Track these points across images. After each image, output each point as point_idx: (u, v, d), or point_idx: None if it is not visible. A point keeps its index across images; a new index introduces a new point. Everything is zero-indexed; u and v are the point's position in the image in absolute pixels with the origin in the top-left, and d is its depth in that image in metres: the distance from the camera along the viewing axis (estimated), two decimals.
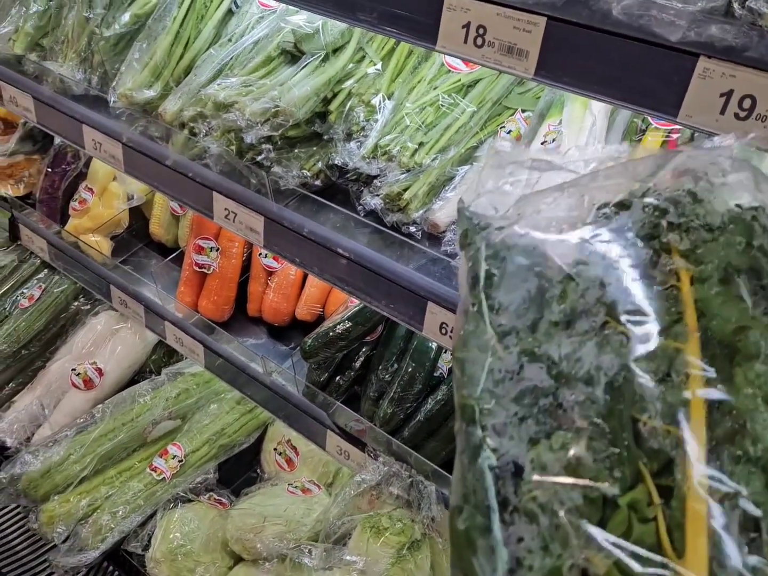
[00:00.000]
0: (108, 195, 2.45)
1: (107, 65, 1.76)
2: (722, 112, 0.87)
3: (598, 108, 1.40)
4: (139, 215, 2.53)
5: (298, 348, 1.94)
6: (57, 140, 2.57)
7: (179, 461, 2.27)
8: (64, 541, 2.14)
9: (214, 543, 2.15)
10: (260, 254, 2.19)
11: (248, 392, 2.12)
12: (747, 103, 0.84)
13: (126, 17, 1.73)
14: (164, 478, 2.24)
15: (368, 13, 1.09)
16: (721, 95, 0.86)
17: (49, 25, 1.85)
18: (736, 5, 0.80)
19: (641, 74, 0.91)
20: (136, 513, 2.18)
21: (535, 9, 0.93)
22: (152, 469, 2.25)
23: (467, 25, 0.99)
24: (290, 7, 1.62)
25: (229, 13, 1.72)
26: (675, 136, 1.38)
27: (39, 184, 2.56)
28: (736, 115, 0.85)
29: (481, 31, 0.99)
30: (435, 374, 1.86)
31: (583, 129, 1.36)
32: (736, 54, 0.83)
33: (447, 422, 1.82)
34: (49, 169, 2.52)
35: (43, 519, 2.17)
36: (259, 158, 1.52)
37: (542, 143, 1.37)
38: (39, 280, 2.70)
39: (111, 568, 2.30)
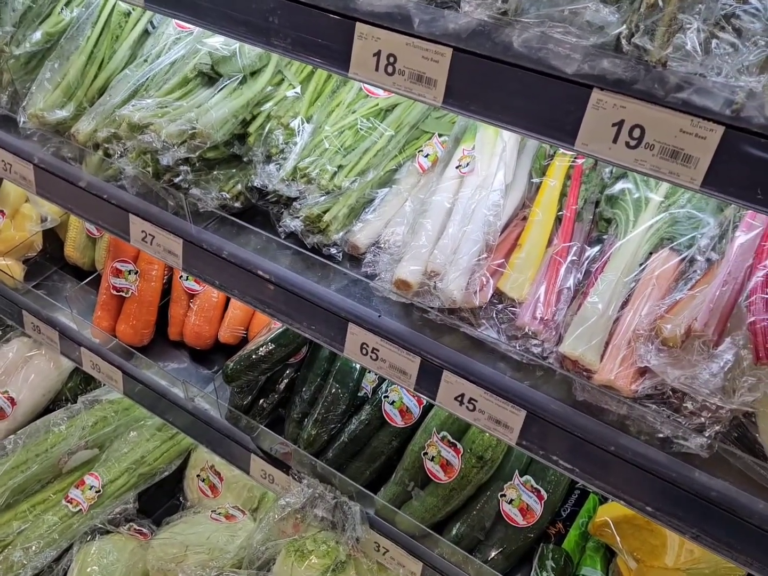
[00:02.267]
0: (20, 217, 2.37)
1: (17, 84, 1.71)
2: (615, 140, 0.92)
3: (509, 134, 1.46)
4: (53, 237, 2.46)
5: (221, 372, 1.92)
6: None
7: (96, 492, 2.20)
8: None
9: (134, 574, 2.08)
10: (181, 277, 2.16)
11: (170, 418, 2.07)
12: (636, 132, 0.89)
13: (37, 35, 1.69)
14: (81, 509, 2.16)
15: (282, 39, 1.10)
16: (613, 125, 0.91)
17: None
18: (623, 41, 0.86)
19: (540, 104, 0.96)
20: (51, 547, 2.10)
21: (441, 40, 0.97)
22: (68, 501, 2.17)
23: (378, 54, 1.02)
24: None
25: (145, 33, 1.70)
26: (580, 161, 1.45)
27: None
28: (627, 144, 0.91)
29: (391, 59, 1.02)
30: (359, 394, 1.87)
31: (495, 154, 1.41)
32: (626, 86, 0.88)
33: (371, 442, 1.83)
34: None
35: None
36: (176, 180, 1.51)
37: (456, 167, 1.41)
38: None
39: None
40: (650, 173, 0.90)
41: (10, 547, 2.08)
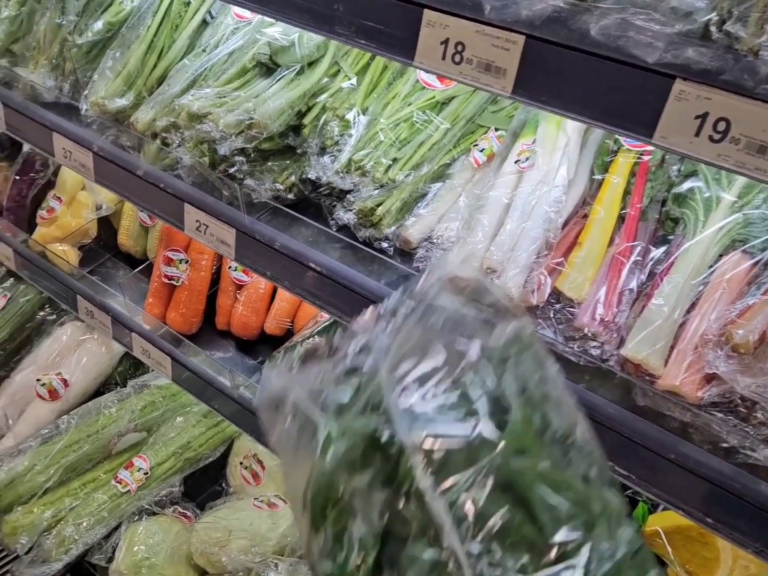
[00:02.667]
0: (76, 204, 2.41)
1: (79, 73, 1.73)
2: (697, 134, 0.88)
3: (572, 128, 1.42)
4: (107, 225, 2.49)
5: (267, 361, 1.92)
6: (26, 148, 2.53)
7: (145, 474, 2.24)
8: (27, 552, 2.10)
9: (178, 556, 2.12)
10: (230, 267, 2.17)
11: (215, 406, 2.09)
12: (721, 126, 0.85)
13: (99, 25, 1.71)
14: (129, 490, 2.20)
15: (346, 27, 1.08)
16: (696, 117, 0.87)
17: (20, 30, 1.81)
18: (713, 29, 0.81)
19: (618, 95, 0.92)
20: (101, 525, 2.15)
21: (514, 27, 0.93)
22: (117, 481, 2.22)
23: (446, 42, 1.00)
24: (266, 19, 1.62)
25: (204, 23, 1.71)
26: (646, 158, 1.40)
27: (6, 192, 2.51)
28: (711, 138, 0.86)
29: (459, 47, 0.99)
30: None
31: (557, 149, 1.37)
32: (711, 77, 0.84)
33: None
34: (17, 177, 2.47)
35: (6, 530, 2.13)
36: (231, 170, 1.51)
37: (515, 162, 1.38)
38: (4, 289, 2.66)
39: None
40: (734, 169, 0.85)
41: (62, 522, 2.14)
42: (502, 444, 0.73)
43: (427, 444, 0.72)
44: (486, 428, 0.74)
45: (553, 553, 0.69)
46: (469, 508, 0.70)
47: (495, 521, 0.69)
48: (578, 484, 0.74)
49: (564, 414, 0.80)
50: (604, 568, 0.69)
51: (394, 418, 0.74)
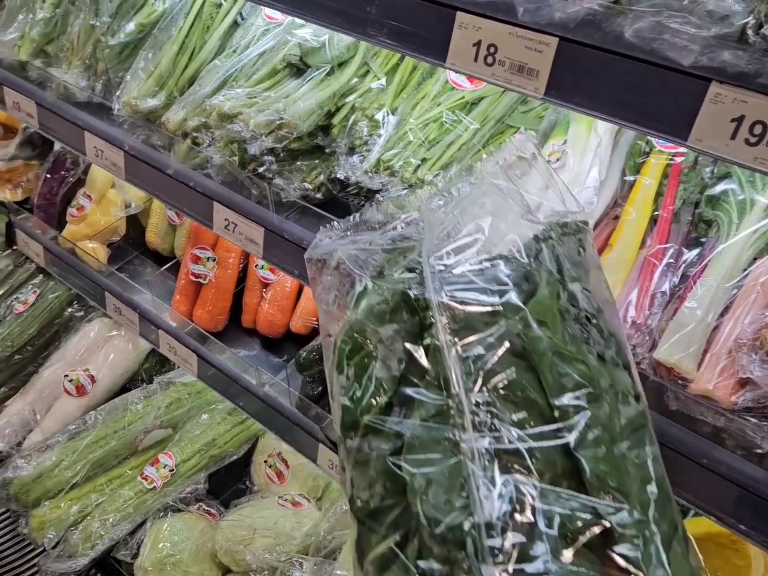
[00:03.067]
0: (106, 202, 2.44)
1: (111, 73, 1.75)
2: (733, 137, 0.87)
3: (604, 129, 1.41)
4: (135, 224, 2.52)
5: (293, 360, 1.93)
6: (56, 146, 2.57)
7: (170, 470, 2.26)
8: (53, 547, 2.12)
9: (203, 554, 2.13)
10: (256, 265, 2.18)
11: (240, 403, 2.10)
12: (758, 129, 0.84)
13: (131, 26, 1.73)
14: (155, 486, 2.22)
15: (378, 29, 1.08)
16: (732, 120, 0.86)
17: (54, 32, 1.84)
18: (750, 32, 0.80)
19: (652, 97, 0.91)
20: (126, 521, 2.17)
21: (547, 29, 0.93)
22: (143, 478, 2.24)
23: (478, 44, 0.99)
24: (296, 20, 1.63)
25: (235, 25, 1.72)
26: (679, 159, 1.39)
27: (37, 190, 2.55)
28: (747, 141, 0.85)
29: (492, 49, 0.99)
30: None
31: (588, 149, 1.36)
32: (748, 80, 0.83)
33: None
34: (48, 175, 2.51)
35: (33, 524, 2.15)
36: (261, 170, 1.52)
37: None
38: (34, 286, 2.69)
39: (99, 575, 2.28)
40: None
41: (89, 517, 2.16)
42: (524, 313, 0.78)
43: (452, 304, 0.79)
44: (512, 297, 0.79)
45: (552, 414, 0.73)
46: (481, 365, 0.75)
47: (502, 378, 0.74)
48: (591, 361, 0.77)
49: (592, 299, 0.83)
50: (599, 435, 0.72)
51: (426, 278, 0.81)
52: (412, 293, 0.82)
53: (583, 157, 1.36)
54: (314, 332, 2.15)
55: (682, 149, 1.40)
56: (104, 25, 1.73)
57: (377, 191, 1.49)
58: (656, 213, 1.33)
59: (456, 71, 1.05)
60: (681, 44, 0.84)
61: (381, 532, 0.74)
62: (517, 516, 0.67)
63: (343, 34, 1.38)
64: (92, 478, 2.27)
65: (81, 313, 2.73)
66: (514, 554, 0.66)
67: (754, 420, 1.08)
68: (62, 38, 1.81)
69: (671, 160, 1.39)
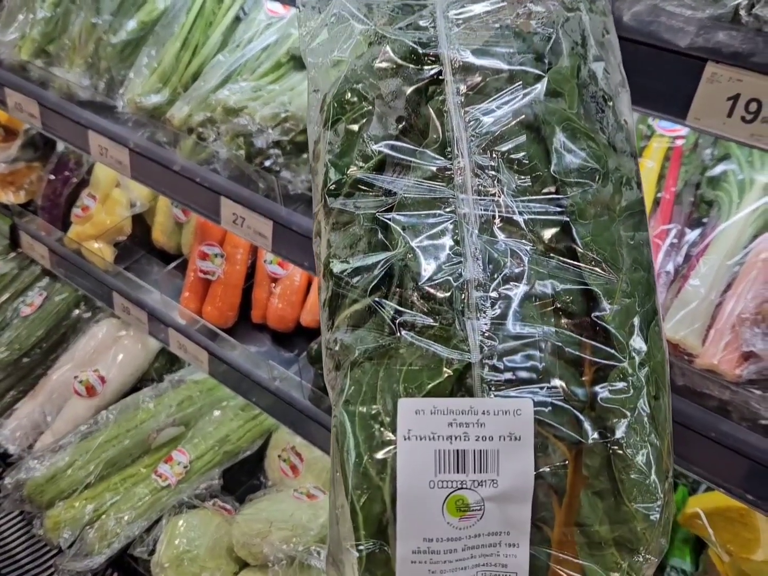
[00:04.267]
0: (111, 202, 2.46)
1: (113, 71, 1.77)
2: (729, 115, 0.89)
3: None
4: (141, 223, 2.54)
5: (304, 354, 1.95)
6: (59, 147, 2.59)
7: (184, 467, 2.27)
8: (69, 546, 2.14)
9: (219, 548, 2.15)
10: (265, 260, 2.20)
11: (253, 398, 2.12)
12: (753, 107, 0.86)
13: (133, 24, 1.75)
14: (169, 484, 2.24)
15: None
16: (728, 99, 0.88)
17: (55, 31, 1.86)
18: (743, 12, 0.83)
19: (652, 78, 0.93)
20: (142, 518, 2.18)
21: None
22: (157, 475, 2.26)
23: None
24: None
25: (237, 20, 1.74)
26: (679, 142, 1.41)
27: (40, 191, 2.57)
28: (743, 118, 0.87)
29: None
30: None
31: None
32: (742, 59, 0.85)
33: None
34: (51, 176, 2.53)
35: (48, 525, 2.17)
36: (267, 163, 1.54)
37: None
38: (40, 288, 2.71)
39: (116, 574, 2.29)
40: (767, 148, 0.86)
41: (104, 516, 2.17)
42: (542, 81, 0.73)
43: (467, 61, 0.73)
44: (530, 63, 0.74)
45: (553, 187, 0.70)
46: (488, 130, 0.70)
47: (509, 146, 0.70)
48: (601, 139, 0.74)
49: (611, 82, 0.79)
50: (599, 210, 0.70)
51: (440, 32, 0.74)
52: (421, 50, 0.74)
53: None
54: None
55: (682, 132, 1.42)
56: (106, 23, 1.75)
57: None
58: (659, 195, 1.35)
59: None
60: (677, 26, 0.87)
61: (358, 292, 0.71)
62: (507, 278, 0.66)
63: None
64: (106, 477, 2.28)
65: (89, 314, 2.74)
66: (498, 311, 0.64)
67: (758, 392, 1.10)
68: (63, 37, 1.83)
69: (672, 143, 1.41)
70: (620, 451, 0.63)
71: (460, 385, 0.64)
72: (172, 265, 2.35)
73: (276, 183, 1.52)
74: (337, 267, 0.72)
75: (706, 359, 1.13)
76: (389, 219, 0.70)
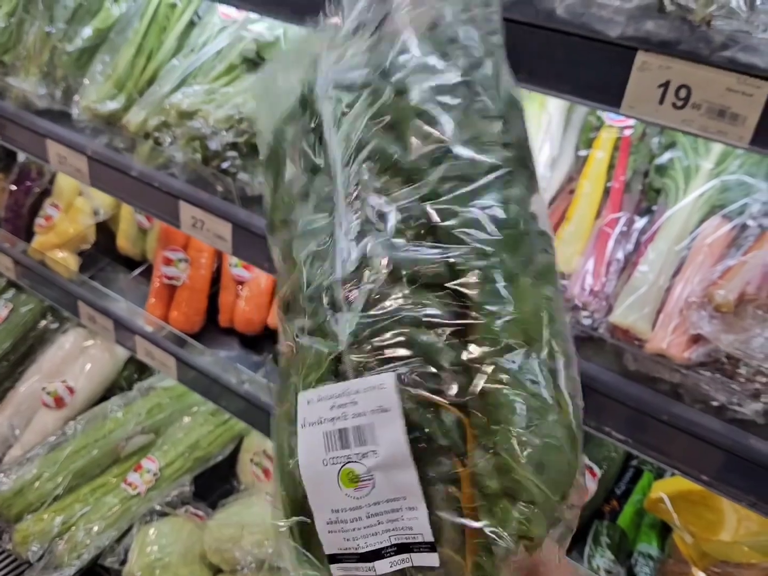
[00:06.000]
0: (74, 211, 2.45)
1: (70, 79, 1.76)
2: (661, 102, 0.92)
3: (554, 107, 1.45)
4: (105, 230, 2.53)
5: (271, 356, 1.95)
6: (21, 157, 2.56)
7: (154, 475, 2.26)
8: (39, 560, 2.12)
9: (192, 555, 2.14)
10: (230, 264, 2.20)
11: (223, 403, 2.12)
12: (683, 93, 0.89)
13: (88, 31, 1.74)
14: (139, 492, 2.23)
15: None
16: (659, 86, 0.91)
17: (10, 41, 1.85)
18: (666, 1, 0.85)
19: (585, 69, 0.95)
20: (112, 528, 2.17)
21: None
22: (127, 484, 2.24)
23: None
24: (252, 16, 1.65)
25: (191, 24, 1.74)
26: (628, 132, 1.44)
27: (3, 203, 2.54)
28: (674, 105, 0.90)
29: None
30: None
31: (540, 127, 1.41)
32: (671, 47, 0.88)
33: None
34: (14, 187, 2.50)
35: (17, 538, 2.14)
36: (224, 165, 1.54)
37: None
38: (6, 300, 2.68)
39: None
40: (698, 133, 0.89)
41: (73, 527, 2.15)
42: (393, 83, 0.79)
43: (336, 93, 0.82)
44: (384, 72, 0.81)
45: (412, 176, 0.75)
46: (354, 140, 0.78)
47: (369, 148, 0.77)
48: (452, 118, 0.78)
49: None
50: (453, 185, 0.75)
51: (317, 78, 0.84)
52: (306, 90, 0.85)
53: (536, 135, 1.40)
54: None
55: (631, 122, 1.45)
56: (60, 32, 1.74)
57: None
58: (609, 185, 1.38)
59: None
60: (607, 17, 0.89)
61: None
62: (373, 268, 0.72)
63: (296, 27, 1.41)
64: (75, 489, 2.26)
65: (56, 325, 2.72)
66: (363, 301, 0.71)
67: (707, 374, 1.13)
68: (19, 47, 1.82)
69: (621, 133, 1.44)
70: (490, 406, 0.68)
71: (337, 373, 0.72)
72: (137, 271, 2.35)
73: (233, 185, 1.52)
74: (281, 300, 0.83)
75: (656, 343, 1.15)
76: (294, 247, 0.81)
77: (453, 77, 0.79)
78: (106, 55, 1.67)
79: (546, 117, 1.42)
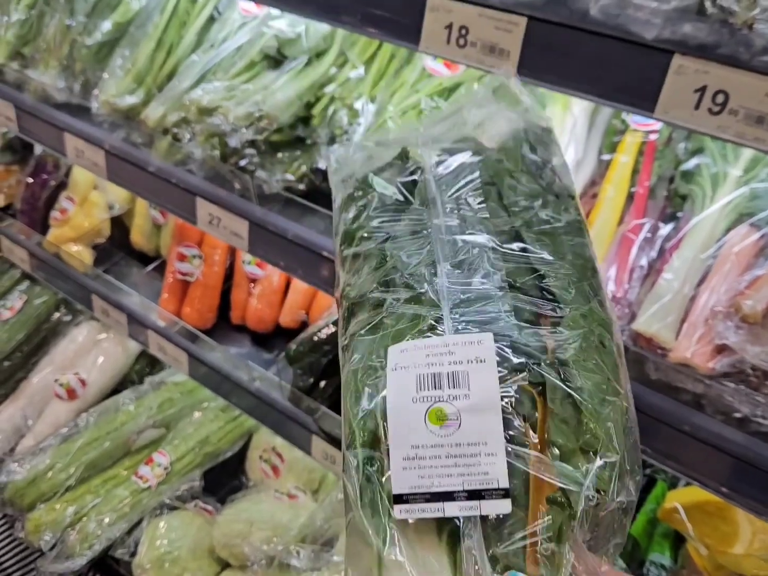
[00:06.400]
0: (89, 204, 2.44)
1: (89, 73, 1.76)
2: (696, 107, 0.90)
3: (579, 109, 1.43)
4: (120, 225, 2.53)
5: (283, 354, 1.94)
6: (37, 150, 2.56)
7: (165, 469, 2.26)
8: (51, 549, 2.12)
9: (200, 550, 2.14)
10: (243, 261, 2.19)
11: (233, 400, 2.12)
12: (720, 98, 0.86)
13: (107, 25, 1.73)
14: (150, 486, 2.23)
15: (352, 16, 1.10)
16: (695, 91, 0.89)
17: (30, 33, 1.84)
18: (707, 3, 0.83)
19: (619, 72, 0.93)
20: (123, 520, 2.17)
21: (515, 9, 0.95)
22: (138, 477, 2.24)
23: (449, 26, 1.01)
24: (272, 12, 1.64)
25: (211, 19, 1.73)
26: (653, 136, 1.41)
27: (19, 195, 2.54)
28: (710, 110, 0.88)
29: (463, 31, 1.01)
30: None
31: (564, 130, 1.39)
32: (709, 51, 0.86)
33: None
34: (30, 180, 2.50)
35: (29, 527, 2.15)
36: (243, 163, 1.53)
37: None
38: (20, 291, 2.69)
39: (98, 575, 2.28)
40: (734, 140, 0.87)
41: (85, 518, 2.16)
42: (492, 152, 0.94)
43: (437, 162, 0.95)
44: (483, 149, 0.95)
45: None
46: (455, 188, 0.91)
47: (471, 188, 0.90)
48: (541, 183, 0.92)
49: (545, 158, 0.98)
50: (545, 228, 0.86)
51: (425, 167, 0.96)
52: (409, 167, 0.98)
53: (560, 138, 1.38)
54: (303, 326, 2.16)
55: (656, 126, 1.42)
56: (80, 25, 1.74)
57: None
58: (633, 190, 1.36)
59: (429, 54, 1.07)
60: (644, 18, 0.87)
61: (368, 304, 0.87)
62: (470, 261, 0.81)
63: (318, 23, 1.39)
64: (87, 480, 2.27)
65: (69, 317, 2.72)
66: (463, 276, 0.80)
67: (731, 385, 1.10)
68: (38, 39, 1.82)
69: (646, 137, 1.42)
70: (570, 383, 0.74)
71: (434, 332, 0.77)
72: (151, 267, 2.34)
73: (251, 183, 1.51)
74: (350, 295, 0.90)
75: (680, 353, 1.13)
76: (385, 248, 0.88)
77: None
78: (126, 49, 1.66)
79: (570, 119, 1.40)
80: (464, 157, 0.94)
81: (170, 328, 2.17)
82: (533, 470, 0.69)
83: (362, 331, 0.83)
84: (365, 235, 0.92)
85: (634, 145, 1.41)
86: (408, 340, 0.76)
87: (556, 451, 0.70)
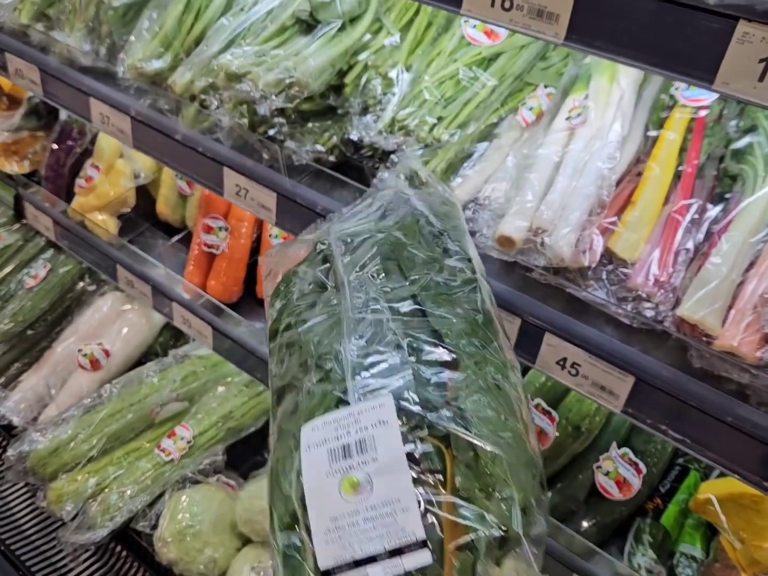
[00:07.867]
0: (114, 173, 2.42)
1: (115, 36, 1.72)
2: (761, 79, 0.83)
3: (627, 82, 1.36)
4: (145, 194, 2.50)
5: None
6: (62, 116, 2.54)
7: (188, 443, 2.25)
8: (72, 519, 2.13)
9: (222, 524, 2.13)
10: (270, 234, 2.16)
11: (258, 375, 2.09)
12: None
13: None
14: (173, 459, 2.22)
15: None
16: (761, 61, 0.82)
17: None
18: None
19: (676, 39, 0.87)
20: (145, 493, 2.17)
21: None
22: (161, 450, 2.23)
23: None
24: None
25: None
26: (703, 113, 1.34)
27: (44, 161, 2.52)
28: None
29: None
30: None
31: (611, 103, 1.32)
32: None
33: None
34: (55, 146, 2.48)
35: (51, 497, 2.15)
36: (271, 132, 1.48)
37: (566, 119, 1.33)
38: (45, 260, 2.68)
39: (119, 548, 2.28)
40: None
41: (107, 490, 2.16)
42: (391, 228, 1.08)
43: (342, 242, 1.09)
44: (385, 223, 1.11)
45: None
46: (359, 266, 1.03)
47: (372, 266, 1.02)
48: (437, 252, 1.05)
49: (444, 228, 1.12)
50: (436, 291, 0.98)
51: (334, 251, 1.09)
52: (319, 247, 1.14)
53: (606, 111, 1.31)
54: None
55: (706, 103, 1.35)
56: None
57: (392, 152, 1.45)
58: (680, 168, 1.29)
59: (472, 18, 1.01)
60: None
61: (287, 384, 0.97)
62: (375, 332, 0.90)
63: None
64: (109, 452, 2.27)
65: (93, 287, 2.71)
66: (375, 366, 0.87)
67: None
68: (64, 0, 1.77)
69: (695, 114, 1.34)
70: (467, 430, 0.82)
71: (342, 404, 0.84)
72: (176, 238, 2.32)
73: (280, 153, 1.47)
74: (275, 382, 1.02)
75: (726, 341, 1.08)
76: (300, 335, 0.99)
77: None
78: (153, 12, 1.62)
79: (618, 91, 1.33)
80: (367, 237, 1.06)
81: (195, 300, 2.15)
82: (444, 516, 0.74)
83: (284, 419, 0.91)
84: (285, 326, 1.02)
85: (682, 121, 1.33)
86: (317, 417, 0.83)
87: (464, 494, 0.76)
